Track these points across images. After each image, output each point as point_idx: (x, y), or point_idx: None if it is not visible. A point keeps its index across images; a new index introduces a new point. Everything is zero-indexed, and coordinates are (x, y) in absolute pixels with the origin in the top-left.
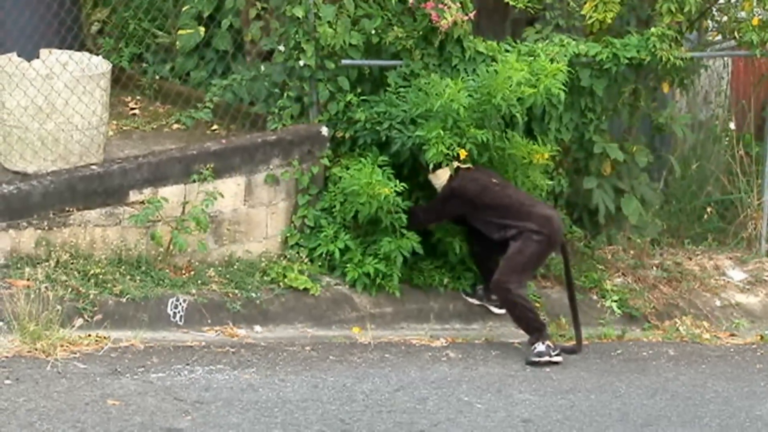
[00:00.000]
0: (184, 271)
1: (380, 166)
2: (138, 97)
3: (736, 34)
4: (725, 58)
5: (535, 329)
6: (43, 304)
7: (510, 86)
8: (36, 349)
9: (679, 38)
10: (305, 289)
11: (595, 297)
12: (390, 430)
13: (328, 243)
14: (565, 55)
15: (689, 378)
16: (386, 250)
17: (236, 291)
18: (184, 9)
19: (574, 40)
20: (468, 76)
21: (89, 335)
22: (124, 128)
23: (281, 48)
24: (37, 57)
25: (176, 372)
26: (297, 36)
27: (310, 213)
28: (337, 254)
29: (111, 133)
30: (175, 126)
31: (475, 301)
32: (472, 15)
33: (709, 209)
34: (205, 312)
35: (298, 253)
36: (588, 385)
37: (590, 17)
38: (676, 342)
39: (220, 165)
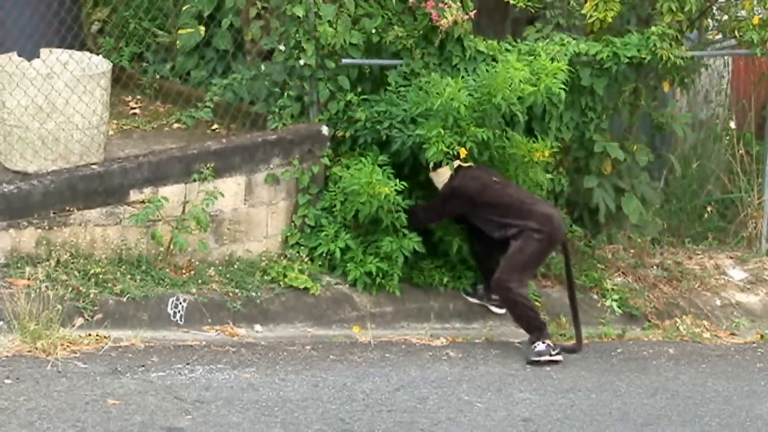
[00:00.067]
0: (184, 271)
1: (380, 166)
2: (138, 97)
3: (736, 33)
4: (726, 57)
5: (535, 328)
6: (43, 304)
7: (510, 85)
8: (36, 349)
9: (680, 37)
10: (305, 289)
11: (595, 296)
12: (390, 430)
13: (328, 242)
14: (566, 54)
15: (689, 377)
16: (387, 250)
17: (236, 290)
18: (184, 8)
19: (574, 39)
20: (468, 75)
21: (89, 334)
22: (125, 127)
23: (281, 47)
24: (38, 56)
25: (176, 371)
26: (297, 35)
27: (310, 212)
28: (337, 253)
29: (111, 132)
30: (176, 125)
31: (476, 301)
32: (472, 14)
33: (709, 208)
34: (206, 311)
35: (298, 252)
36: (588, 384)
37: (591, 16)
38: (676, 341)
39: (221, 164)
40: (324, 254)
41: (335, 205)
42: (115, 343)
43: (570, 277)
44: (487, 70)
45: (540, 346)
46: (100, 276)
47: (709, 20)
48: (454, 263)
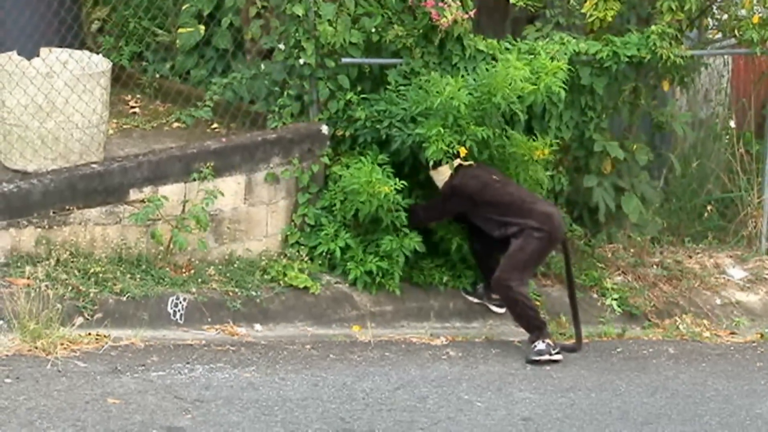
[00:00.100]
0: (184, 270)
1: (380, 165)
2: (138, 96)
3: (736, 32)
4: (725, 56)
5: (535, 327)
6: (43, 303)
7: (510, 84)
8: (36, 348)
9: (680, 36)
10: (305, 288)
11: (595, 295)
12: (390, 429)
13: (328, 241)
14: (566, 54)
15: (689, 376)
16: (388, 248)
17: (236, 289)
18: (184, 7)
19: (574, 38)
20: (468, 74)
21: (89, 334)
22: (125, 127)
23: (281, 46)
24: (38, 55)
25: (176, 370)
26: (297, 34)
27: (310, 211)
28: (337, 253)
29: (111, 131)
30: (176, 124)
31: (475, 300)
32: (472, 13)
33: (709, 207)
34: (206, 310)
35: (298, 251)
36: (588, 383)
37: (591, 15)
38: (676, 340)
39: (221, 163)
40: (324, 253)
41: (335, 204)
42: (115, 343)
43: (570, 276)
44: (487, 69)
45: (540, 345)
46: (100, 275)
47: (709, 19)
48: (455, 262)
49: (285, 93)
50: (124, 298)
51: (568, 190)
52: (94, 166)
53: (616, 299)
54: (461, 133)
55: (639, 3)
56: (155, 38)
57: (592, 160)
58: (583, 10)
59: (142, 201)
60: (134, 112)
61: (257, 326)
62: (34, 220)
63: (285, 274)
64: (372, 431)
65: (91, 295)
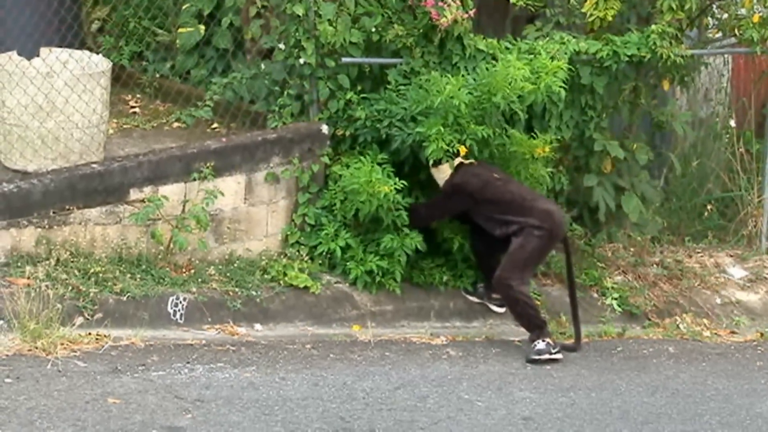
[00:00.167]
0: (184, 270)
1: (380, 164)
2: (138, 96)
3: (736, 31)
4: (725, 56)
5: (535, 326)
6: (43, 303)
7: (510, 84)
8: (36, 348)
9: (680, 35)
10: (305, 288)
11: (595, 295)
12: (390, 428)
13: (328, 241)
14: (566, 53)
15: (690, 376)
16: (389, 247)
17: (236, 289)
18: (184, 7)
19: (574, 37)
20: (468, 73)
21: (89, 334)
22: (125, 126)
23: (281, 46)
24: (38, 55)
25: (177, 370)
26: (297, 34)
27: (310, 211)
28: (337, 252)
29: (111, 131)
30: (176, 124)
31: (476, 300)
32: (472, 13)
33: (709, 207)
34: (206, 310)
35: (298, 251)
36: (588, 382)
37: (591, 15)
38: (676, 340)
39: (221, 163)
40: (324, 253)
41: (335, 204)
42: (115, 342)
43: (571, 274)
44: (487, 69)
45: (540, 345)
46: (100, 275)
47: (709, 18)
48: (456, 262)
49: (285, 93)
50: (125, 298)
51: (568, 189)
52: (94, 165)
53: (616, 299)
54: (461, 132)
55: (639, 2)
56: (155, 38)
57: (592, 159)
58: (583, 10)
59: (143, 201)
60: (134, 112)
61: (257, 326)
62: (34, 219)
63: (285, 274)
64: (372, 431)
65: (92, 294)
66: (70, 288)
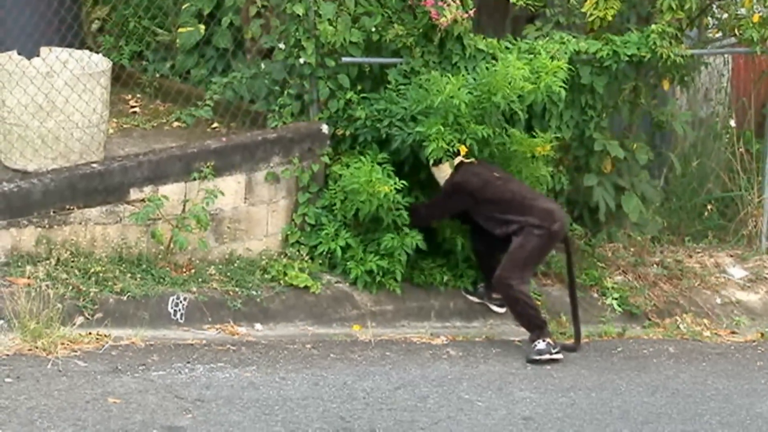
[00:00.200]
0: (184, 269)
1: (380, 164)
2: (138, 95)
3: (736, 31)
4: (725, 56)
5: (536, 326)
6: (43, 303)
7: (510, 83)
8: (36, 347)
9: (680, 35)
10: (306, 287)
11: (595, 295)
12: (390, 428)
13: (328, 241)
14: (566, 53)
15: (690, 375)
16: (389, 246)
17: (237, 289)
18: (184, 7)
19: (574, 37)
20: (468, 73)
21: (90, 333)
22: (125, 126)
23: (281, 46)
24: (38, 55)
25: (177, 370)
26: (297, 33)
27: (310, 211)
28: (338, 252)
29: (111, 131)
30: (176, 124)
31: (476, 299)
32: (471, 12)
33: (709, 206)
34: (206, 310)
35: (298, 251)
36: (588, 382)
37: (591, 14)
38: (676, 339)
39: (221, 163)
40: (324, 253)
41: (335, 204)
42: (116, 342)
43: (571, 274)
44: (487, 68)
45: (540, 345)
46: (101, 275)
47: (709, 18)
48: (456, 262)
49: (285, 92)
50: (125, 298)
51: (569, 189)
52: (94, 165)
53: (616, 298)
54: (461, 131)
55: (639, 2)
56: (155, 37)
57: (592, 159)
58: (583, 9)
59: (143, 200)
60: (134, 112)
61: (258, 326)
62: (34, 219)
63: (285, 274)
64: (372, 431)
65: (92, 294)
66: (70, 288)
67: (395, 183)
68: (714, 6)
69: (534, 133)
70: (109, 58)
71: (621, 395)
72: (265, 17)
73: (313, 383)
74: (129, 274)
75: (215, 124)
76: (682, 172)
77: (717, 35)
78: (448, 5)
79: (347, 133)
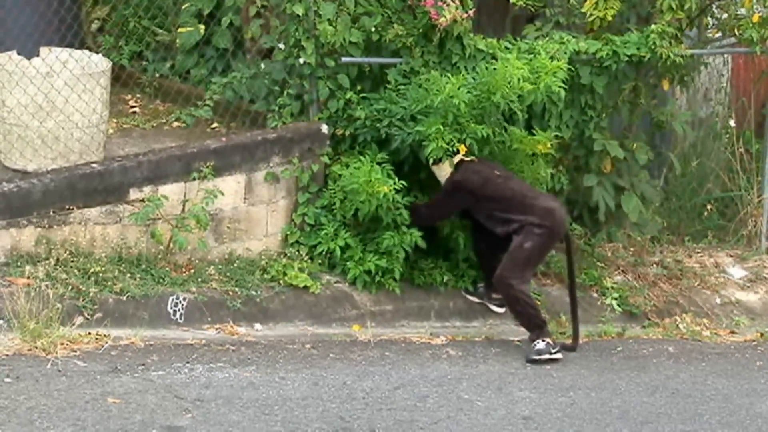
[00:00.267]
0: (184, 269)
1: (380, 164)
2: (138, 95)
3: (736, 31)
4: (725, 56)
5: (535, 326)
6: (43, 303)
7: (510, 83)
8: (36, 347)
9: (679, 35)
10: (305, 287)
11: (595, 294)
12: (390, 428)
13: (328, 241)
14: (565, 53)
15: (689, 375)
16: (388, 245)
17: (236, 289)
18: (184, 7)
19: (574, 37)
20: (468, 73)
21: (89, 333)
22: (125, 126)
23: (281, 46)
24: (38, 55)
25: (176, 370)
26: (297, 34)
27: (310, 211)
28: (337, 252)
29: (111, 131)
30: (175, 124)
31: (476, 299)
32: (471, 12)
33: (709, 206)
34: (206, 310)
35: (298, 251)
36: (588, 382)
37: (591, 14)
38: (676, 339)
39: (221, 163)
40: (324, 253)
41: (335, 204)
42: (115, 342)
43: (572, 273)
44: (487, 68)
45: (540, 344)
46: (100, 275)
47: (709, 18)
48: (456, 262)
49: (285, 92)
50: (124, 298)
51: (568, 189)
52: (94, 165)
53: (616, 298)
54: (461, 131)
55: (639, 2)
56: (155, 37)
57: (591, 159)
58: (583, 10)
59: (142, 200)
60: (134, 112)
61: (257, 325)
62: (34, 219)
63: (285, 274)
64: (372, 430)
65: (91, 294)
66: (69, 288)
67: (395, 183)
68: (714, 6)
69: (534, 133)
70: (108, 58)
71: (620, 395)
72: (265, 17)
73: (312, 383)
74: (128, 274)
75: (215, 124)
76: (681, 172)
77: (717, 35)
78: (448, 5)
79: (347, 133)
